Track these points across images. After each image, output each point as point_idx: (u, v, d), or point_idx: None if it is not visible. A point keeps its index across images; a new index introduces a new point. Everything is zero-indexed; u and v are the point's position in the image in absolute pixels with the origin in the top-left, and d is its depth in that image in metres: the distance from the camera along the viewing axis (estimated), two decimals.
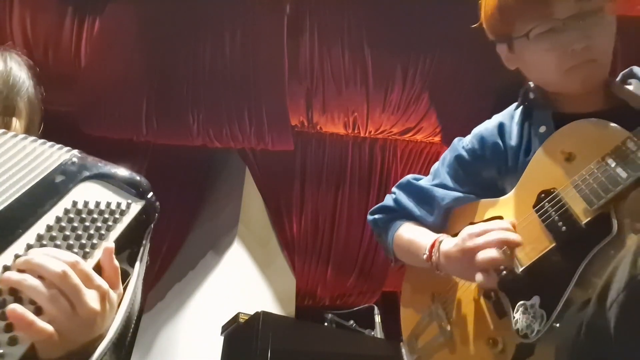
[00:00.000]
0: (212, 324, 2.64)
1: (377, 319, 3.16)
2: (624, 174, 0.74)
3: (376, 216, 1.21)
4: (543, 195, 0.87)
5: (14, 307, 0.48)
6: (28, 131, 0.79)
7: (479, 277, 0.85)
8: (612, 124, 0.81)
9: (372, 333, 3.03)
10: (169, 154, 3.25)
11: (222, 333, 2.41)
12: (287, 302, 3.32)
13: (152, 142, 3.05)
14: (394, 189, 1.21)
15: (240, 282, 3.06)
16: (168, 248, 3.34)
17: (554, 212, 0.84)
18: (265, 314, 2.21)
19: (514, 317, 0.82)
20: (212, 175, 3.67)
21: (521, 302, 0.82)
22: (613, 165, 0.76)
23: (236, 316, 2.34)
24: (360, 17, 2.67)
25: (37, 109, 0.84)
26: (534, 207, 0.88)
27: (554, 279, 0.79)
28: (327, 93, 2.80)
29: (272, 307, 3.13)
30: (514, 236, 0.85)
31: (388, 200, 1.20)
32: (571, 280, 0.76)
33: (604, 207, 0.76)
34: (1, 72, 0.78)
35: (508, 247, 0.85)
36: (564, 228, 0.81)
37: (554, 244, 0.82)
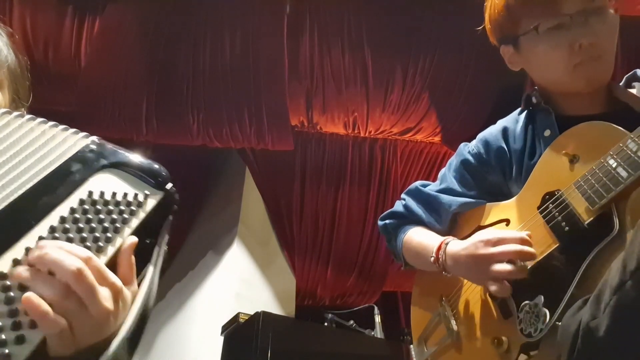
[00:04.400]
0: (212, 324, 2.64)
1: (377, 319, 3.15)
2: (624, 174, 0.75)
3: (386, 221, 1.22)
4: (547, 196, 0.88)
5: (29, 295, 0.47)
6: (14, 102, 0.74)
7: (493, 287, 0.86)
8: (614, 126, 0.82)
9: (372, 333, 3.03)
10: (169, 154, 3.24)
11: (222, 333, 2.41)
12: (287, 302, 3.32)
13: (152, 142, 3.05)
14: (403, 195, 1.23)
15: (240, 282, 3.06)
16: (168, 248, 3.33)
17: (557, 213, 0.85)
18: (265, 314, 2.22)
19: (518, 317, 0.83)
20: (212, 175, 3.67)
21: (525, 301, 0.82)
22: (614, 165, 0.77)
23: (236, 316, 2.34)
24: (360, 17, 2.68)
25: (21, 78, 0.77)
26: (538, 208, 0.89)
27: (558, 278, 0.80)
28: (327, 93, 2.80)
29: (272, 307, 3.12)
30: (529, 249, 0.85)
31: (398, 206, 1.22)
32: (574, 279, 0.76)
33: (605, 206, 0.77)
34: None
35: (522, 260, 0.85)
36: (567, 228, 0.82)
37: (557, 244, 0.83)
